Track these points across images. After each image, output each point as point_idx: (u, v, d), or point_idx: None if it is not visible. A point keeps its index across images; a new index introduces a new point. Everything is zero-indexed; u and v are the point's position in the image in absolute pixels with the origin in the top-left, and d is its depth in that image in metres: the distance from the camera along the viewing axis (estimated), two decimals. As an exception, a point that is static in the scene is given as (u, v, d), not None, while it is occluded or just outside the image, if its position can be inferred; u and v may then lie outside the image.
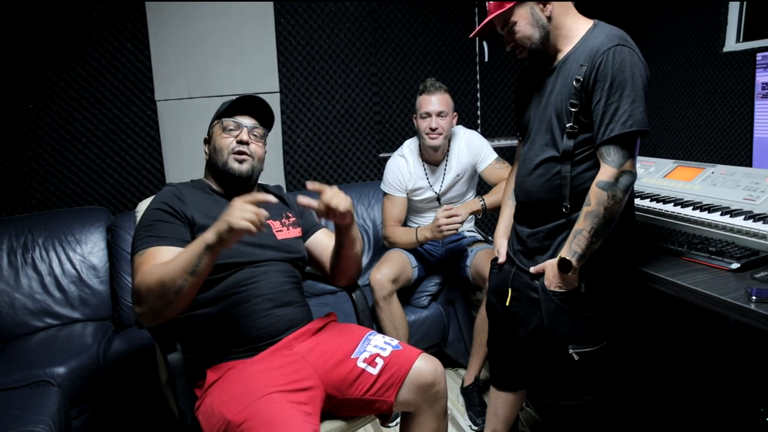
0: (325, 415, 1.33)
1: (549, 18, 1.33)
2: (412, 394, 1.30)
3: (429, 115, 2.17)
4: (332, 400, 1.31)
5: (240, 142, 1.44)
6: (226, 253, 1.26)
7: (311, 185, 1.32)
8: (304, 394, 1.23)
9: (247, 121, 1.47)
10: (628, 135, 1.23)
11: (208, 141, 1.52)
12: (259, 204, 1.40)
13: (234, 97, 1.46)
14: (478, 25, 1.48)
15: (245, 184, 1.49)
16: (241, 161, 1.44)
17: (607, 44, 1.25)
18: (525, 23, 1.33)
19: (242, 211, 1.13)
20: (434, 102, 2.17)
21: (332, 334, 1.43)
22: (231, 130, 1.45)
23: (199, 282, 1.21)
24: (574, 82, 1.28)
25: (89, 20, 2.42)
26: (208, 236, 1.15)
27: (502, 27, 1.39)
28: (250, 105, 1.47)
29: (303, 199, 1.31)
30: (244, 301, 1.34)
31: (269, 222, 1.50)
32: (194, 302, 1.28)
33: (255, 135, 1.48)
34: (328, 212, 1.31)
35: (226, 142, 1.44)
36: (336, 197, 1.31)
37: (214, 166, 1.48)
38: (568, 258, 1.28)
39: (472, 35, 1.49)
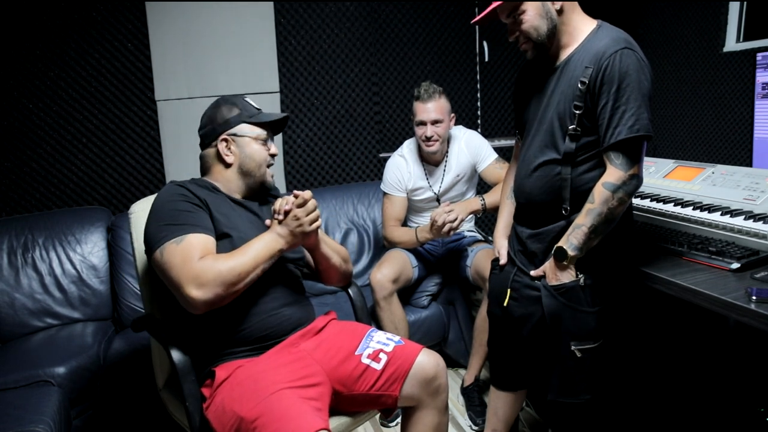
0: (331, 411, 1.33)
1: (559, 12, 1.31)
2: (415, 388, 1.33)
3: (424, 123, 2.16)
4: (339, 396, 1.33)
5: (271, 155, 1.49)
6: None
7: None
8: (313, 389, 1.25)
9: (270, 133, 1.51)
10: (635, 139, 1.23)
11: (228, 141, 1.44)
12: (263, 207, 1.43)
13: (255, 108, 1.49)
14: (479, 12, 1.44)
15: (267, 192, 1.55)
16: (271, 175, 1.51)
17: (613, 47, 1.24)
18: (534, 13, 1.30)
19: (306, 218, 1.33)
20: (429, 110, 2.14)
21: (335, 332, 1.45)
22: (265, 141, 1.47)
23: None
24: (579, 85, 1.28)
25: (89, 20, 2.42)
26: (281, 242, 1.33)
27: (509, 15, 1.34)
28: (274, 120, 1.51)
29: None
30: (251, 301, 1.34)
31: (267, 222, 1.50)
32: None
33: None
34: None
35: (264, 155, 1.47)
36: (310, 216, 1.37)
37: (244, 173, 1.45)
38: (564, 247, 1.29)
39: (474, 21, 1.44)
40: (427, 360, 1.34)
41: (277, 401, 1.15)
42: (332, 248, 1.54)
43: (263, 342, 1.35)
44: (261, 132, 1.46)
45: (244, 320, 1.33)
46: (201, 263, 1.22)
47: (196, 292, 1.20)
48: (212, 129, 1.45)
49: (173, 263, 1.23)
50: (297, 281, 1.50)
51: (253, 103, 1.49)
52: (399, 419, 1.49)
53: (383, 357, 1.34)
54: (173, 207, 1.32)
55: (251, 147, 1.44)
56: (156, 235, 1.29)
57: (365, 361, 1.34)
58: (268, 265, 1.31)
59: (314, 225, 1.36)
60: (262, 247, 1.30)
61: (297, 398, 1.18)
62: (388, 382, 1.32)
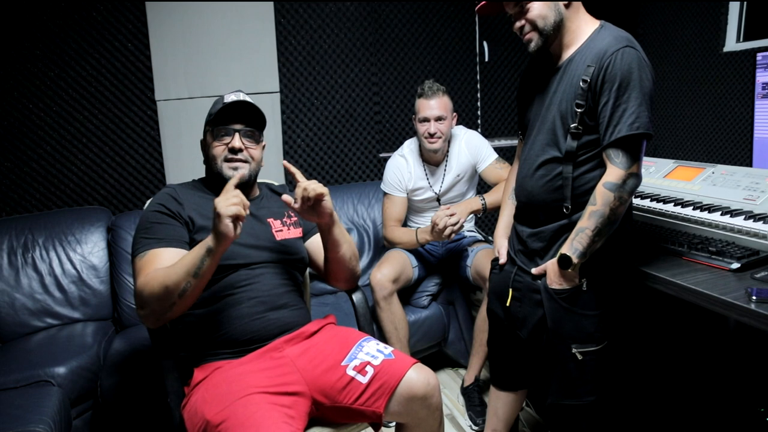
0: (315, 421, 1.31)
1: (566, 6, 1.31)
2: (402, 406, 1.26)
3: (427, 120, 2.17)
4: (321, 406, 1.29)
5: (232, 150, 1.41)
6: (223, 255, 1.26)
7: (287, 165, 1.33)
8: (288, 398, 1.22)
9: (237, 126, 1.43)
10: (634, 137, 1.23)
11: (203, 144, 1.49)
12: (262, 201, 1.40)
13: (223, 102, 1.42)
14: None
15: (244, 187, 1.48)
16: (235, 168, 1.42)
17: (615, 46, 1.24)
18: (542, 3, 1.29)
19: (226, 201, 1.15)
20: (433, 106, 2.16)
21: (326, 339, 1.40)
22: (222, 137, 1.42)
23: (203, 284, 1.22)
24: (581, 83, 1.28)
25: (89, 20, 2.42)
26: (208, 239, 1.18)
27: (516, 2, 1.33)
28: (240, 108, 1.43)
29: (286, 198, 1.33)
30: (237, 304, 1.34)
31: (269, 221, 1.49)
32: None
33: (248, 138, 1.44)
34: (304, 203, 1.31)
35: (218, 150, 1.42)
36: (311, 185, 1.30)
37: (210, 171, 1.48)
38: (568, 254, 1.28)
39: (478, 8, 1.42)
40: (416, 377, 1.26)
41: (242, 406, 1.14)
42: (344, 236, 1.47)
43: (246, 345, 1.33)
44: (218, 128, 1.43)
45: (227, 323, 1.32)
46: (142, 280, 1.22)
47: (139, 311, 1.23)
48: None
49: (135, 278, 1.27)
50: (290, 284, 1.46)
51: (231, 98, 1.43)
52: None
53: (370, 370, 1.26)
54: (147, 218, 1.35)
55: (208, 143, 1.46)
56: (133, 246, 1.33)
57: (350, 372, 1.27)
58: (203, 269, 1.17)
59: (230, 206, 1.15)
60: (191, 252, 1.21)
61: (266, 404, 1.15)
62: (373, 397, 1.24)
